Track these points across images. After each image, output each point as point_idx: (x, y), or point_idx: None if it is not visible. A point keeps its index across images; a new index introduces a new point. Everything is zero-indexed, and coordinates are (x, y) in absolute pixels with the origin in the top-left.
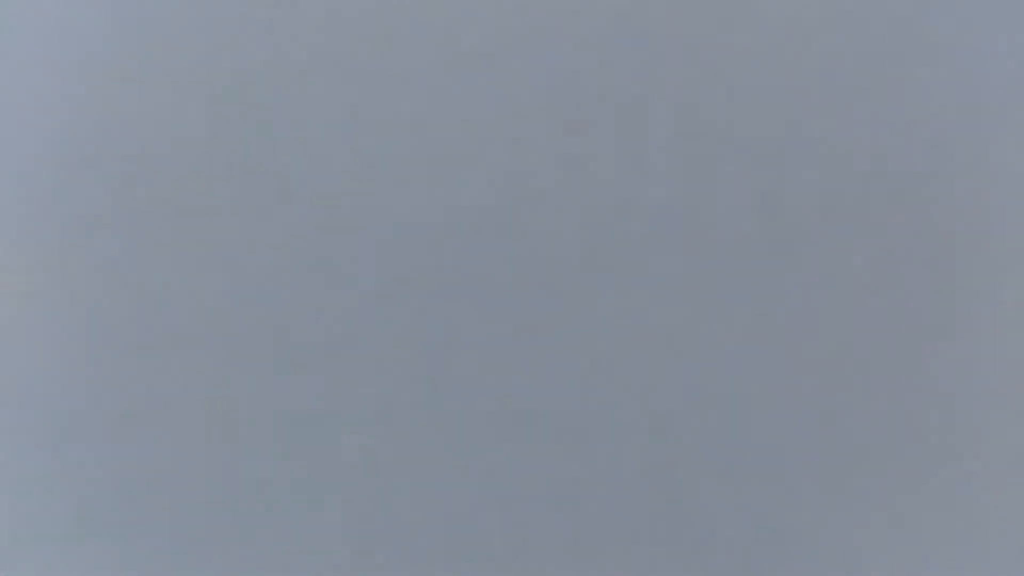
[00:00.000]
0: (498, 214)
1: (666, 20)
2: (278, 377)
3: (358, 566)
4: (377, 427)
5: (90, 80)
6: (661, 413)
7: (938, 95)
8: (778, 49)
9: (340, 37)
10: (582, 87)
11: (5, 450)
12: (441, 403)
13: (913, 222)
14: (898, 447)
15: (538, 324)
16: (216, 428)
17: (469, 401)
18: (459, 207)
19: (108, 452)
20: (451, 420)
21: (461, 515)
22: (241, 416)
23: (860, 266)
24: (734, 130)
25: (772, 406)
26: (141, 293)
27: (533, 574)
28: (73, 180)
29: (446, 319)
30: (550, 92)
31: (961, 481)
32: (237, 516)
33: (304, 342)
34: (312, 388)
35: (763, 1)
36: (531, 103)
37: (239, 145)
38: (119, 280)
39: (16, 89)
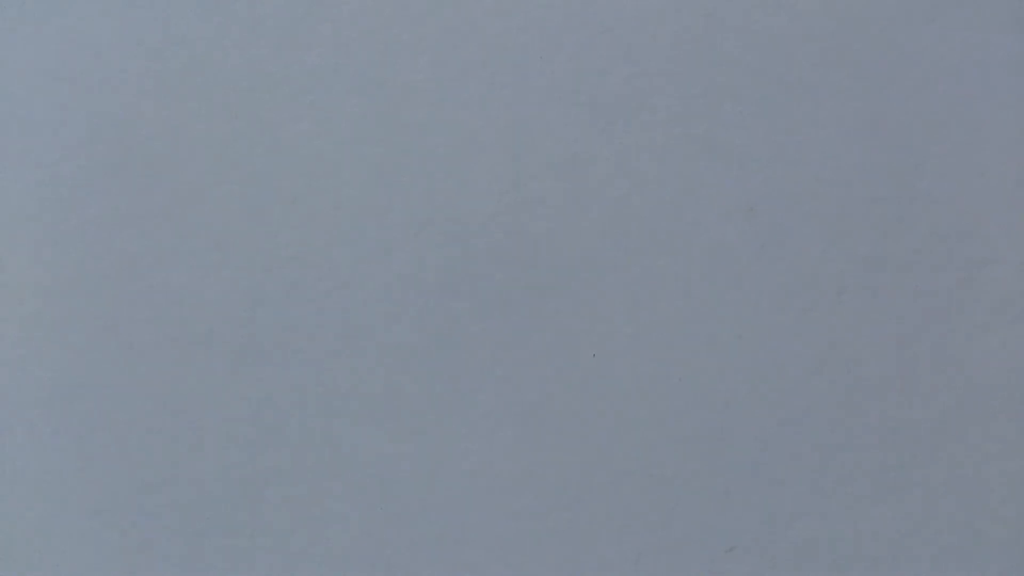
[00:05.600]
0: (498, 216)
1: (659, 30)
2: (286, 375)
3: (364, 558)
4: (383, 424)
5: (104, 88)
6: (657, 410)
7: (922, 99)
8: (767, 56)
9: (348, 50)
10: (579, 95)
11: (12, 448)
12: (444, 401)
13: (899, 222)
14: (888, 444)
15: (538, 323)
16: (224, 424)
17: (470, 399)
18: (460, 209)
19: (118, 449)
20: (453, 418)
21: (461, 511)
22: (249, 412)
23: (853, 265)
24: (725, 135)
25: (765, 404)
26: (153, 294)
27: (534, 568)
28: (88, 185)
29: (449, 319)
30: (548, 100)
31: (953, 478)
32: (245, 511)
33: (312, 341)
34: (320, 385)
35: (752, 11)
36: (530, 111)
37: (251, 151)
38: (130, 282)
39: (33, 96)
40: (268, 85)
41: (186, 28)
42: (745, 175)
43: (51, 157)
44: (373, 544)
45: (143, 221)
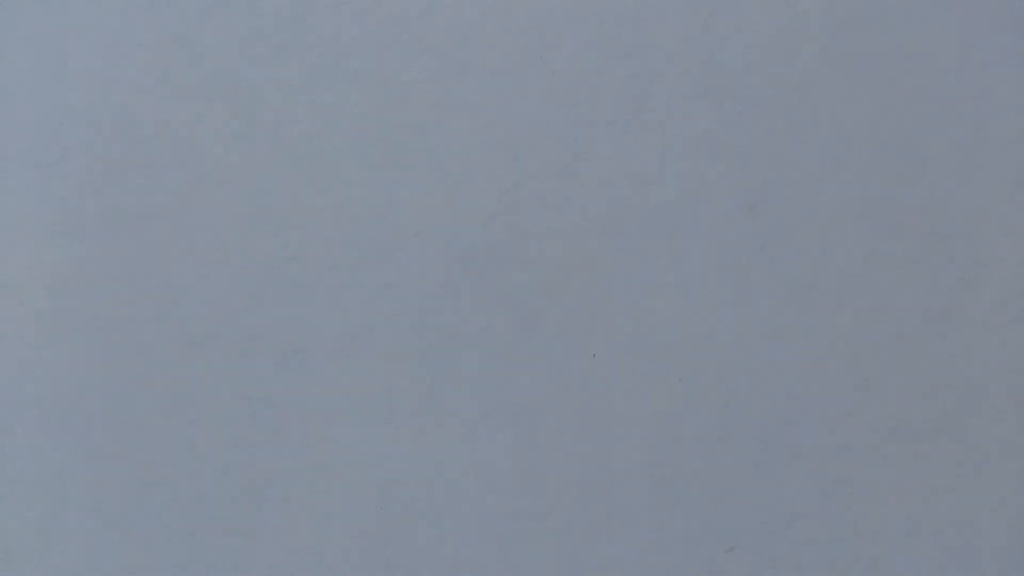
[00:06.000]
0: (498, 216)
1: (659, 30)
2: (286, 375)
3: (364, 558)
4: (383, 424)
5: (104, 88)
6: (660, 410)
7: (922, 98)
8: (767, 56)
9: (348, 50)
10: (579, 95)
11: (12, 448)
12: (444, 401)
13: (899, 222)
14: (888, 444)
15: (538, 323)
16: (224, 424)
17: (470, 399)
18: (460, 209)
19: (118, 449)
20: (453, 418)
21: (461, 511)
22: (249, 412)
23: (853, 265)
24: (725, 135)
25: (765, 404)
26: (153, 294)
27: (534, 568)
28: (88, 185)
29: (449, 319)
30: (548, 100)
31: (953, 478)
32: (245, 511)
33: (312, 341)
34: (320, 385)
35: (752, 11)
36: (530, 111)
37: (251, 151)
38: (130, 282)
39: (33, 96)
40: (268, 85)
41: (186, 28)
42: (745, 175)
43: (51, 157)
44: (373, 544)
45: (143, 221)
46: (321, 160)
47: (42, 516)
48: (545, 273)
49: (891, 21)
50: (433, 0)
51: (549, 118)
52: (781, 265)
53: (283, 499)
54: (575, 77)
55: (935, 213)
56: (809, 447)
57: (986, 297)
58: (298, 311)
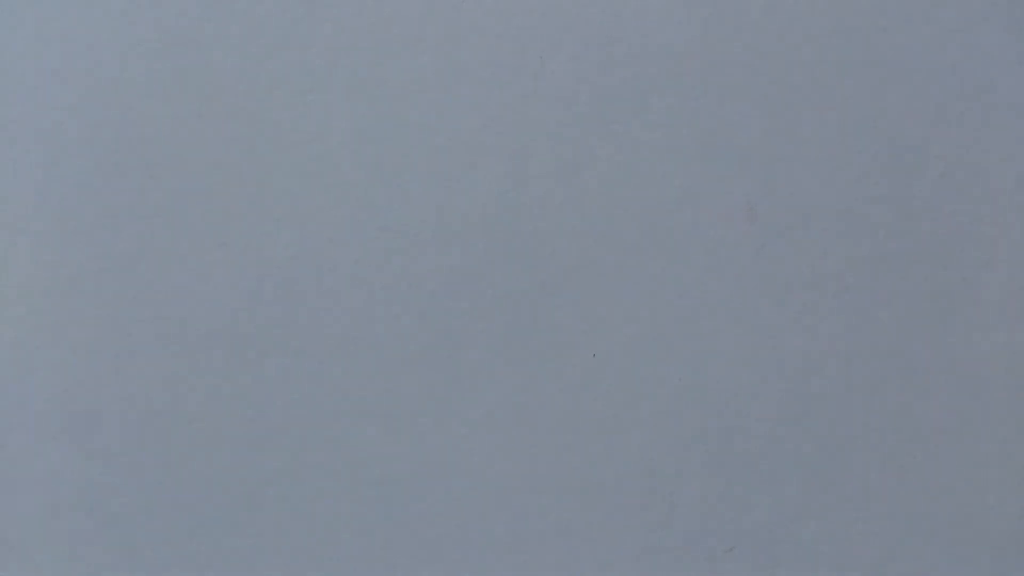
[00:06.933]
0: (498, 216)
1: (659, 30)
2: (286, 375)
3: (364, 558)
4: (383, 424)
5: (104, 88)
6: (660, 410)
7: (922, 99)
8: (767, 56)
9: (348, 50)
10: (578, 95)
11: (13, 448)
12: (444, 401)
13: (899, 222)
14: (888, 444)
15: (538, 323)
16: (224, 424)
17: (470, 399)
18: (460, 209)
19: (118, 449)
20: (453, 418)
21: (462, 511)
22: (249, 412)
23: (853, 265)
24: (725, 135)
25: (765, 404)
26: (153, 294)
27: (534, 568)
28: (88, 185)
29: (449, 319)
30: (549, 100)
31: (953, 478)
32: (245, 511)
33: (312, 341)
34: (320, 385)
35: (752, 11)
36: (530, 111)
37: (251, 151)
38: (130, 282)
39: (33, 96)
40: (268, 85)
41: (186, 28)
42: (745, 175)
43: (51, 157)
44: (373, 544)
45: (143, 221)
46: (321, 160)
47: (42, 516)
48: (545, 273)
49: (891, 21)
50: (433, 0)
51: (549, 118)
52: (781, 265)
53: (283, 499)
54: (575, 77)
55: (935, 213)
56: (809, 447)
57: (986, 297)
58: (298, 311)
